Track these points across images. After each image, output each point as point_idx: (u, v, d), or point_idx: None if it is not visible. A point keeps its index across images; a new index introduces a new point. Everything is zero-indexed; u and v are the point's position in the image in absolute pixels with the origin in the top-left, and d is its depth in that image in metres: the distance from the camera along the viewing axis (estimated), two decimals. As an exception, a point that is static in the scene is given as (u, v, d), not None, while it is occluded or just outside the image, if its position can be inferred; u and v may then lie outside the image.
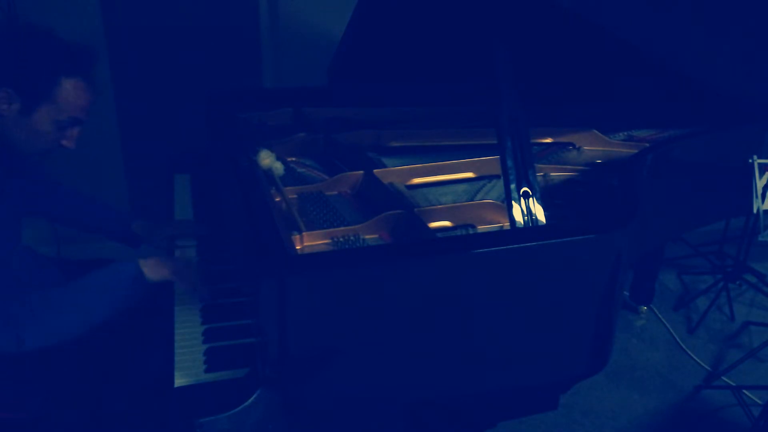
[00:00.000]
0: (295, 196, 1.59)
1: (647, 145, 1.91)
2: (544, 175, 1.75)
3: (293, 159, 1.84)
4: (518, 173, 1.31)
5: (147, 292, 1.43)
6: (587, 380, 1.37)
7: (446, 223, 1.47)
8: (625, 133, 2.10)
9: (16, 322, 1.27)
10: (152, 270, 1.42)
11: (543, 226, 1.29)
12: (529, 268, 1.20)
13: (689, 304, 2.96)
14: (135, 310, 1.63)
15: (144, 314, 1.61)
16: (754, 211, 2.13)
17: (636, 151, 1.82)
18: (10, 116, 1.32)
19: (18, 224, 1.50)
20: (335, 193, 1.64)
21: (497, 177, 1.70)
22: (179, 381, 1.22)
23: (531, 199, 1.30)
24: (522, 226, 1.29)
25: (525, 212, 1.29)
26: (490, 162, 1.72)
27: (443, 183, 1.71)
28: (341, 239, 1.37)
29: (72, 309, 1.34)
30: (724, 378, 2.46)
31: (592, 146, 2.01)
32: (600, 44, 1.75)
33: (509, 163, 1.31)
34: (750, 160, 2.10)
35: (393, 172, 1.66)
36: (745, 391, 2.37)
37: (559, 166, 1.80)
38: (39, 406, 1.41)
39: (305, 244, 1.34)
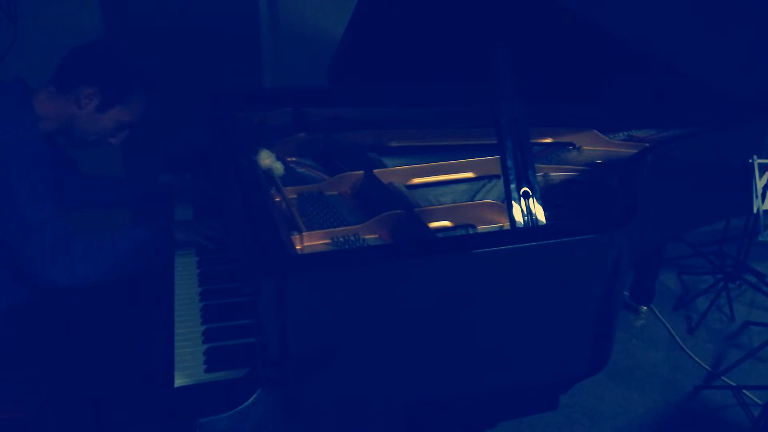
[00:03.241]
0: (295, 196, 1.59)
1: (647, 145, 1.91)
2: (544, 175, 1.75)
3: (293, 159, 1.84)
4: (518, 173, 1.31)
5: (172, 252, 1.63)
6: (587, 380, 1.36)
7: (446, 223, 1.47)
8: (625, 133, 2.10)
9: (74, 255, 1.47)
10: (182, 232, 1.63)
11: (543, 226, 1.29)
12: (529, 268, 1.19)
13: (689, 304, 2.96)
14: (135, 310, 1.64)
15: (144, 314, 1.61)
16: (754, 211, 2.13)
17: (636, 151, 1.82)
18: (86, 110, 1.53)
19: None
20: (335, 193, 1.64)
21: (497, 177, 1.70)
22: (179, 381, 1.22)
23: (531, 199, 1.30)
24: (522, 226, 1.28)
25: (525, 212, 1.29)
26: (490, 162, 1.72)
27: (443, 183, 1.71)
28: (341, 239, 1.37)
29: (112, 255, 1.53)
30: (724, 378, 2.46)
31: (592, 146, 2.01)
32: (600, 44, 1.75)
33: (509, 163, 1.31)
34: (750, 160, 2.10)
35: (393, 172, 1.66)
36: (745, 391, 2.37)
37: (559, 166, 1.80)
38: (39, 406, 1.42)
39: (305, 244, 1.35)
